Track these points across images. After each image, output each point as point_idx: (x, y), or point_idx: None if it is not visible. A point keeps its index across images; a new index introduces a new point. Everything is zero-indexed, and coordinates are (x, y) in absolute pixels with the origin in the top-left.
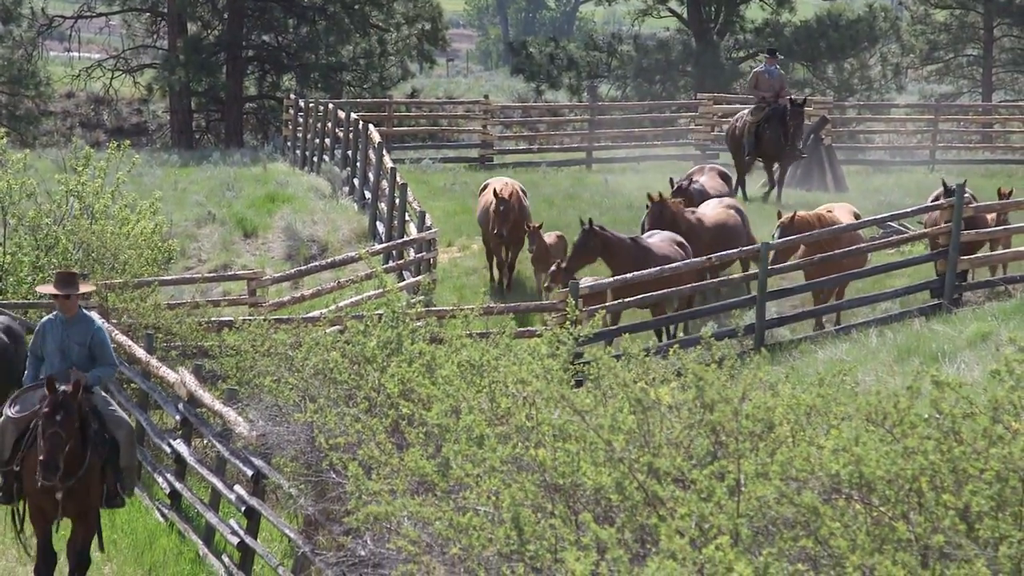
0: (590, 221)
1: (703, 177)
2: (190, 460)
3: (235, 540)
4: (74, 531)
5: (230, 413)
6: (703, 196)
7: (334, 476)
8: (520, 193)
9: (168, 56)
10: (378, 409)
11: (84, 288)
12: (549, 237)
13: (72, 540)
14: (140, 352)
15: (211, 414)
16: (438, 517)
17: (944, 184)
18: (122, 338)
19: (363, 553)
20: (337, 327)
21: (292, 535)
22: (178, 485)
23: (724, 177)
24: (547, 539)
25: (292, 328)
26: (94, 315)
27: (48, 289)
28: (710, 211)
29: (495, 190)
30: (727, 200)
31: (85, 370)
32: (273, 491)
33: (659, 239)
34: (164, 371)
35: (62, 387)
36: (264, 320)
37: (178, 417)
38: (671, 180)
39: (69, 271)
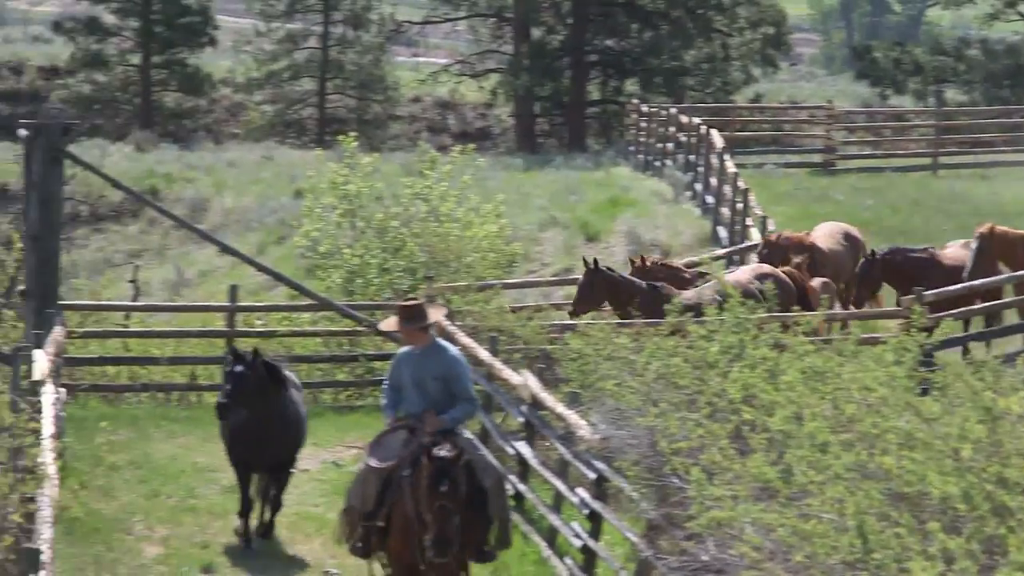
0: (595, 261)
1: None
2: (533, 462)
3: (578, 543)
4: None
5: (572, 416)
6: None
7: (676, 481)
8: (825, 244)
9: (512, 61)
10: (720, 414)
11: (433, 315)
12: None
13: None
14: (484, 354)
15: (553, 417)
16: (781, 524)
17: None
18: (466, 340)
19: (705, 558)
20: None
21: (634, 539)
22: (521, 487)
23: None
24: (892, 548)
25: (634, 332)
26: (450, 345)
27: (392, 326)
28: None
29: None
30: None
31: (443, 406)
32: (615, 495)
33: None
34: (507, 374)
35: (442, 452)
36: (606, 324)
37: (521, 419)
38: (631, 259)
39: (413, 304)
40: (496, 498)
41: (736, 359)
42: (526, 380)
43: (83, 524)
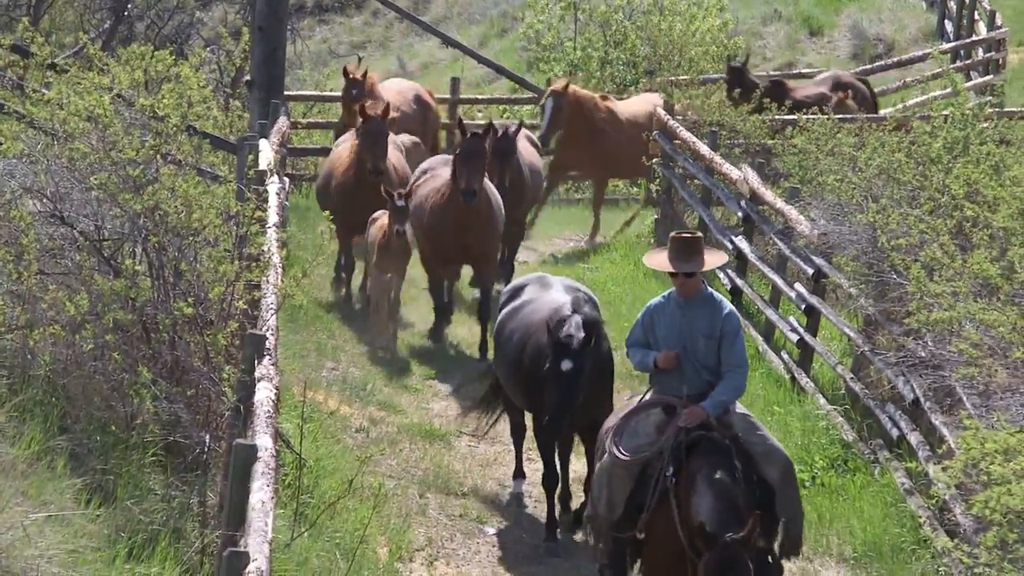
0: None
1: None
2: (751, 257)
3: (794, 337)
4: None
5: (792, 211)
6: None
7: (895, 277)
8: None
9: None
10: (942, 210)
11: (711, 261)
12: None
13: None
14: (704, 149)
15: (772, 212)
16: (1001, 322)
17: None
18: (686, 135)
19: (923, 354)
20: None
21: (852, 334)
22: (739, 281)
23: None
24: None
25: (855, 128)
26: (722, 297)
27: (662, 264)
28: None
29: None
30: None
31: (710, 373)
32: (833, 290)
33: None
34: (727, 168)
35: (727, 535)
36: (828, 119)
37: (740, 214)
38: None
39: (691, 235)
40: (784, 492)
41: (960, 155)
42: (746, 175)
43: (306, 312)
